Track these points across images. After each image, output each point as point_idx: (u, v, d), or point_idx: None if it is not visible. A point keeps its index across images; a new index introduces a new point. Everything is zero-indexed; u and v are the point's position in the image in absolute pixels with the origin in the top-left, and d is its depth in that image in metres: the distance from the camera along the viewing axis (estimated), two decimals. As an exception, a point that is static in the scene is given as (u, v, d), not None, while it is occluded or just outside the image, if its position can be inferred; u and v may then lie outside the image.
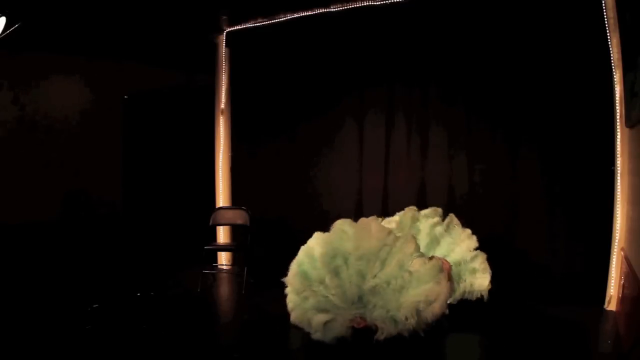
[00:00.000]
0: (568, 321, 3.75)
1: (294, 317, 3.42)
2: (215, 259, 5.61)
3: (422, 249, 4.11)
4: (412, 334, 3.13)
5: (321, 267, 3.35)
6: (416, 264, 3.25)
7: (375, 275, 3.26)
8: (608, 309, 3.98)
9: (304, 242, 3.70)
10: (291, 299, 3.44)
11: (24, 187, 5.72)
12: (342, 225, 3.48)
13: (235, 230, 5.59)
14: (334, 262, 3.33)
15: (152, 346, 3.32)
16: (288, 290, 3.48)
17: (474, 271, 3.93)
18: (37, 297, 4.41)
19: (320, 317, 3.26)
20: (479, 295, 3.90)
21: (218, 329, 3.94)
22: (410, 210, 4.31)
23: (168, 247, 5.96)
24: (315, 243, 3.49)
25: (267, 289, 4.43)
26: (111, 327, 3.65)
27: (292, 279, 3.46)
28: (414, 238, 3.49)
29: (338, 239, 3.40)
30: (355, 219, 4.94)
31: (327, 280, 3.30)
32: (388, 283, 3.22)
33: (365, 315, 3.28)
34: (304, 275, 3.39)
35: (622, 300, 3.71)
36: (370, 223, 3.46)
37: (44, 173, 5.91)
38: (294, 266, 3.50)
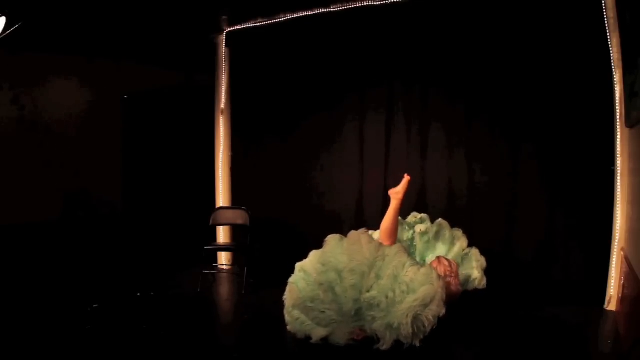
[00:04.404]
0: (568, 321, 3.75)
1: (291, 329, 3.42)
2: (215, 259, 5.61)
3: (417, 256, 4.14)
4: (411, 340, 3.13)
5: (314, 283, 3.34)
6: (410, 273, 3.22)
7: (370, 289, 3.23)
8: (608, 309, 3.98)
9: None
10: (288, 315, 3.44)
11: (24, 187, 5.71)
12: (333, 241, 3.45)
13: (235, 230, 5.59)
14: (327, 277, 3.31)
15: (152, 346, 3.32)
16: (285, 307, 3.46)
17: (471, 267, 3.93)
18: (38, 297, 4.41)
19: (319, 331, 3.28)
20: (475, 286, 3.88)
21: (218, 329, 3.95)
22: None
23: (168, 247, 5.96)
24: (309, 260, 3.48)
25: (267, 289, 4.44)
26: (111, 327, 3.65)
27: (288, 295, 3.45)
28: (404, 247, 3.47)
29: (330, 254, 3.37)
30: (356, 218, 5.03)
31: (322, 295, 3.29)
32: (385, 296, 3.19)
33: (365, 327, 3.28)
34: (299, 292, 3.39)
35: (622, 300, 3.71)
36: (360, 236, 3.41)
37: (44, 173, 5.90)
38: (289, 284, 3.49)
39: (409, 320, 3.09)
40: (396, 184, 4.88)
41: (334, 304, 3.29)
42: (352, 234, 3.48)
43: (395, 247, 3.39)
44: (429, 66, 4.74)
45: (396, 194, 3.95)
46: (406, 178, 4.00)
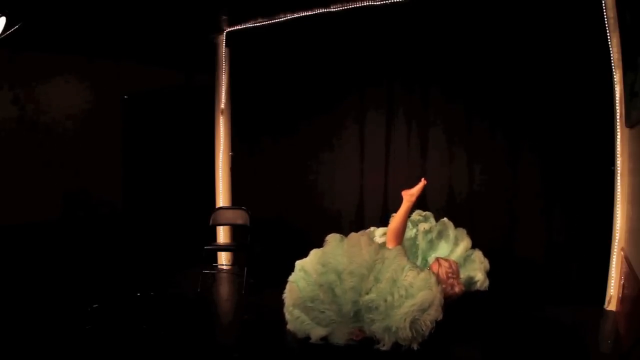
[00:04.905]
0: (568, 321, 3.75)
1: (291, 328, 3.43)
2: (215, 259, 5.61)
3: (418, 256, 4.12)
4: (409, 343, 3.13)
5: (314, 283, 3.35)
6: (409, 277, 3.22)
7: (369, 291, 3.24)
8: (608, 309, 3.98)
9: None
10: (288, 313, 3.45)
11: (24, 187, 5.71)
12: (333, 241, 3.46)
13: (235, 230, 5.59)
14: (326, 278, 3.32)
15: (152, 346, 3.32)
16: (285, 306, 3.47)
17: (474, 269, 3.93)
18: (38, 297, 4.41)
19: (319, 331, 3.30)
20: (477, 287, 3.87)
21: (218, 329, 3.95)
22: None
23: (168, 247, 5.96)
24: (310, 260, 3.49)
25: (267, 288, 4.44)
26: (111, 327, 3.65)
27: (288, 294, 3.46)
28: (404, 250, 3.47)
29: (330, 255, 3.38)
30: (356, 218, 5.03)
31: (321, 295, 3.30)
32: (384, 300, 3.19)
33: (364, 328, 3.29)
34: (300, 292, 3.40)
35: (622, 300, 3.71)
36: (360, 238, 3.41)
37: (44, 173, 5.90)
38: (289, 282, 3.50)
39: (407, 324, 3.09)
40: (396, 184, 4.91)
41: (334, 304, 3.29)
42: (352, 235, 3.48)
43: (395, 250, 3.39)
44: (429, 66, 4.74)
45: (410, 196, 3.91)
46: (422, 182, 3.98)
